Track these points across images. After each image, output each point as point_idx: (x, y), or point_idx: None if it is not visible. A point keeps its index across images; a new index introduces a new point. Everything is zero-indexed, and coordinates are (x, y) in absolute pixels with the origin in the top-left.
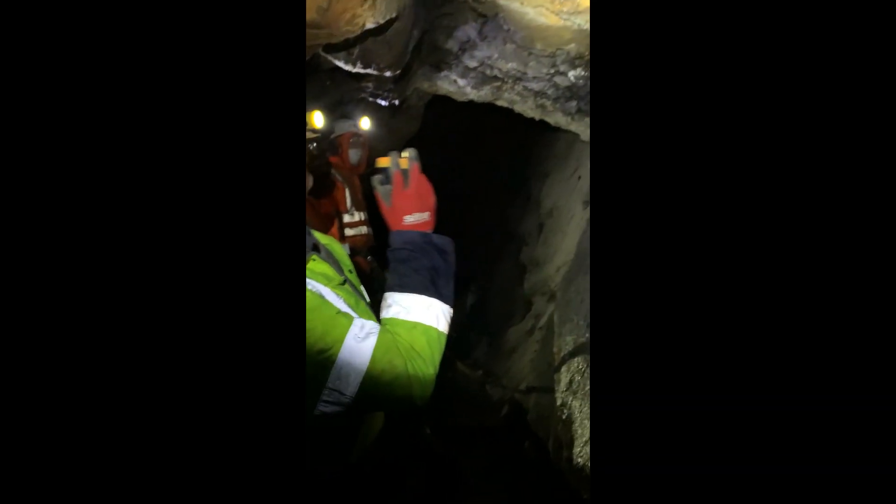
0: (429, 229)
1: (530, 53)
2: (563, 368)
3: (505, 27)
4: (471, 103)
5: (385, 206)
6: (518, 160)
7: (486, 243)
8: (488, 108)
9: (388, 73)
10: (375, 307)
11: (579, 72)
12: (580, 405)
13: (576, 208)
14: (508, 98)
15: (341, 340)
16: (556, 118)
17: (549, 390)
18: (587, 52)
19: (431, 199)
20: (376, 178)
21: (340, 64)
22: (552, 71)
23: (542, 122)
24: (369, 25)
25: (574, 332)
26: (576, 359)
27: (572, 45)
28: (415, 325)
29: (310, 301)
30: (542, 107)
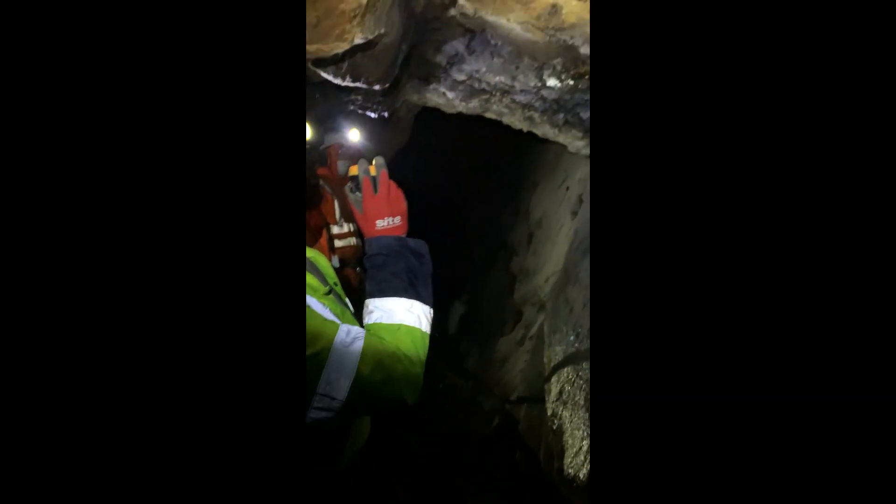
0: (402, 233)
1: (517, 67)
2: (554, 378)
3: (492, 42)
4: (460, 115)
5: (358, 214)
6: (508, 170)
7: (477, 252)
8: (478, 120)
9: (377, 87)
10: (361, 317)
11: (566, 85)
12: (570, 415)
13: (564, 218)
14: (497, 110)
15: (329, 347)
16: (544, 130)
17: (540, 400)
18: (573, 67)
19: (402, 203)
20: (347, 186)
21: (329, 77)
22: (539, 84)
23: (531, 134)
24: (358, 41)
25: (564, 342)
26: (566, 369)
27: (558, 60)
28: (398, 328)
29: None
30: (530, 119)
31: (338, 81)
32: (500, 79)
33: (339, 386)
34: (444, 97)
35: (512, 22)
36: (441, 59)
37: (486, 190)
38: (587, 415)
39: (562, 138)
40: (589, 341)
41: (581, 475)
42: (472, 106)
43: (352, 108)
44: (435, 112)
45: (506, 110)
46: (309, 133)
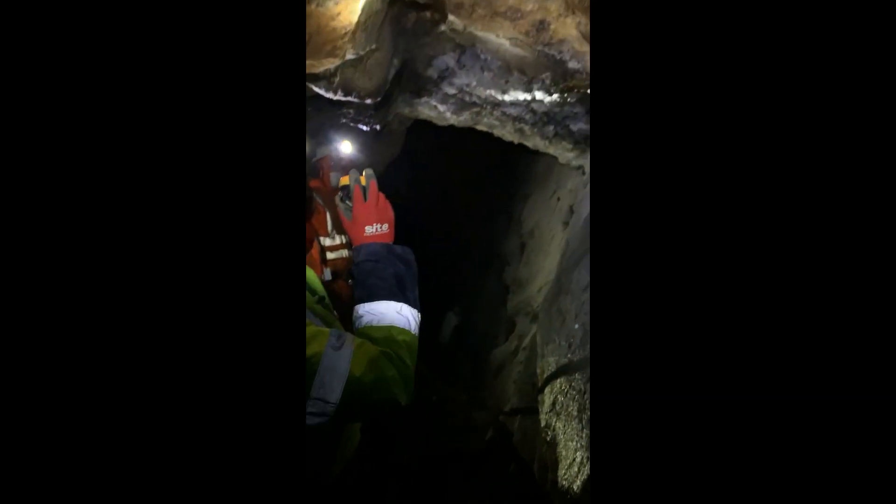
0: (389, 241)
1: (507, 81)
2: (547, 389)
3: (482, 57)
4: (452, 127)
5: (347, 221)
6: (499, 181)
7: (470, 263)
8: (469, 132)
9: (368, 101)
10: (348, 327)
11: (555, 98)
12: (564, 426)
13: (556, 229)
14: (488, 123)
15: (320, 351)
16: (535, 141)
17: (534, 412)
18: (562, 81)
19: (389, 212)
20: (338, 196)
21: (322, 92)
22: (529, 97)
23: (521, 146)
24: (349, 56)
25: (556, 352)
26: (559, 379)
27: (547, 74)
28: (389, 329)
29: None
30: (521, 131)
31: (330, 96)
32: (490, 92)
33: (332, 389)
34: (436, 110)
35: (501, 37)
36: (432, 73)
37: (478, 201)
38: (581, 426)
39: (552, 150)
40: (581, 352)
41: (575, 487)
42: (464, 118)
43: (344, 121)
44: (427, 124)
45: (496, 123)
46: None
